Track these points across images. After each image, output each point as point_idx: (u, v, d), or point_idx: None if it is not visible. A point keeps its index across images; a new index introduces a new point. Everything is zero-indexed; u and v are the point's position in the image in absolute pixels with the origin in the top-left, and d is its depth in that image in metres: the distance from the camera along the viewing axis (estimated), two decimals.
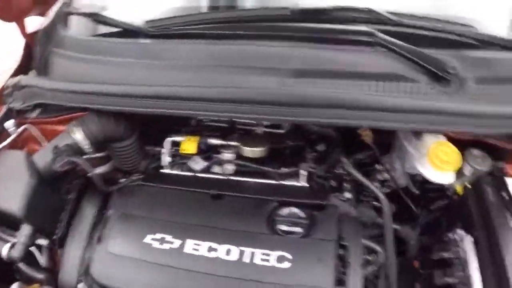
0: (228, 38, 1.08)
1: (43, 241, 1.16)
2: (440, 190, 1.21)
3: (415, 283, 1.10)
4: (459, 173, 1.21)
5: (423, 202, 1.23)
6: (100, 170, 1.24)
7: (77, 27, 1.35)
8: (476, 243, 1.03)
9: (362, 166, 1.22)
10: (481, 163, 1.18)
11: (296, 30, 1.05)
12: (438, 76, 1.01)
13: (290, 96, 0.96)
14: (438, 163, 1.03)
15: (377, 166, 1.24)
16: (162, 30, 1.15)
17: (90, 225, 1.13)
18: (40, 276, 1.13)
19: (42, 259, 1.19)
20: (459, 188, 1.15)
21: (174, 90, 1.02)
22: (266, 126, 1.27)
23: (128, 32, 1.23)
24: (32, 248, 1.17)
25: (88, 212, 1.16)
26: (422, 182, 1.18)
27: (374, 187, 1.09)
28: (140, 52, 1.13)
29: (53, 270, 1.18)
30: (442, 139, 1.08)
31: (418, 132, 1.11)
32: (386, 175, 1.22)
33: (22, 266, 1.13)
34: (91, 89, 1.10)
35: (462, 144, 1.18)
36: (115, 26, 1.24)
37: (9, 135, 1.27)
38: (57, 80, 1.17)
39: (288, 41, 1.04)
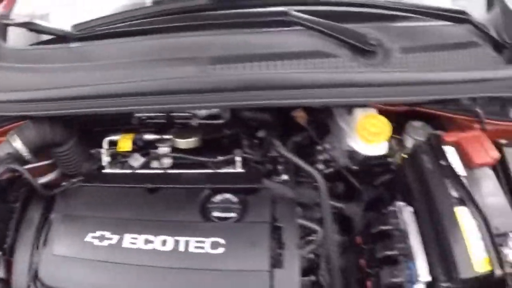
0: (149, 33, 1.12)
1: None
2: (383, 165, 1.23)
3: (359, 259, 1.12)
4: (401, 145, 1.24)
5: (366, 178, 1.25)
6: (44, 179, 1.27)
7: (18, 37, 1.39)
8: (416, 213, 1.05)
9: (302, 148, 1.24)
10: (422, 134, 1.21)
11: (214, 18, 1.09)
12: (361, 49, 1.04)
13: (209, 82, 0.98)
14: (366, 136, 1.05)
15: (318, 147, 1.27)
16: (88, 32, 1.18)
17: (35, 230, 1.15)
18: None
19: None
20: (400, 161, 1.17)
21: (100, 88, 1.05)
22: (204, 118, 1.30)
23: (61, 38, 1.26)
24: None
25: (33, 217, 1.17)
26: (365, 159, 1.20)
27: (307, 165, 1.10)
28: (67, 56, 1.16)
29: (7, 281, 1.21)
30: (373, 112, 1.10)
31: (350, 107, 1.13)
32: (327, 155, 1.24)
33: None
34: (24, 97, 1.13)
35: (401, 116, 1.21)
36: (47, 33, 1.27)
37: None
38: None
39: (207, 30, 1.07)
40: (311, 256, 1.06)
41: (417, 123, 1.23)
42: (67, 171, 1.28)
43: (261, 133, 1.26)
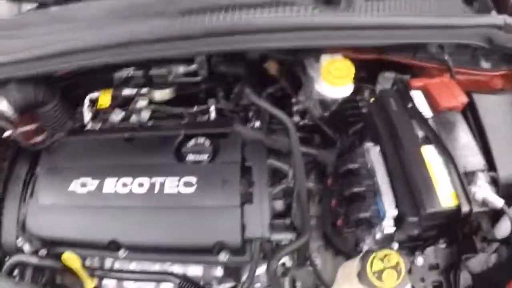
0: None
1: None
2: (355, 113, 1.31)
3: (331, 200, 1.19)
4: (374, 95, 1.31)
5: (340, 128, 1.32)
6: (22, 129, 1.35)
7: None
8: (384, 153, 1.12)
9: (277, 101, 1.32)
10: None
11: None
12: None
13: (177, 30, 1.06)
14: (331, 79, 1.12)
15: (292, 100, 1.35)
16: None
17: (22, 184, 1.25)
18: None
19: None
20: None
21: (79, 43, 1.13)
22: (183, 76, 1.38)
23: (41, 5, 1.35)
24: None
25: (20, 173, 1.27)
26: (334, 103, 1.28)
27: (275, 109, 1.17)
28: (47, 19, 1.26)
29: None
30: (338, 57, 1.17)
31: (318, 56, 1.21)
32: (301, 107, 1.32)
33: None
34: (6, 60, 1.22)
35: (373, 67, 1.28)
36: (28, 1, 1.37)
37: None
38: None
39: None
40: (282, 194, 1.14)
41: (388, 74, 1.30)
42: (52, 131, 1.37)
43: (232, 86, 1.35)
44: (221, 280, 1.18)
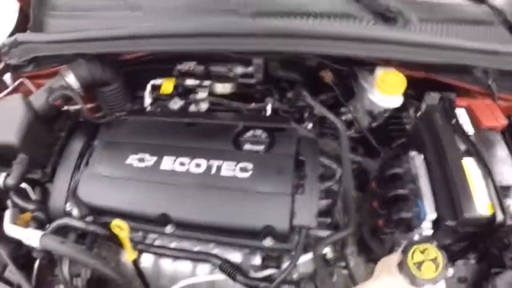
0: None
1: (35, 175, 1.39)
2: (400, 127, 1.43)
3: (373, 202, 1.29)
4: (418, 112, 1.44)
5: (385, 140, 1.44)
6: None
7: None
8: (427, 161, 1.23)
9: (328, 108, 1.45)
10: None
11: None
12: (383, 15, 1.26)
13: (248, 28, 1.21)
14: (384, 88, 1.25)
15: (342, 109, 1.47)
16: None
17: (78, 154, 1.36)
18: (31, 206, 1.35)
19: (32, 193, 1.42)
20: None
21: (152, 28, 1.28)
22: (239, 77, 1.52)
23: None
24: (24, 184, 1.40)
25: (77, 144, 1.39)
26: (383, 114, 1.40)
27: (329, 113, 1.30)
28: (119, 4, 1.41)
29: (43, 202, 1.41)
30: (391, 70, 1.30)
31: (372, 69, 1.34)
32: (349, 116, 1.45)
33: (14, 197, 1.35)
34: (80, 36, 1.36)
35: (419, 85, 1.41)
36: None
37: (6, 88, 1.53)
38: (51, 34, 1.45)
39: None
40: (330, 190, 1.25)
41: (434, 94, 1.43)
42: (111, 111, 1.50)
43: (290, 93, 1.49)
44: (258, 269, 1.26)
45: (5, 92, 1.51)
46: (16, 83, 1.53)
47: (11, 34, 1.60)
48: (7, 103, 1.40)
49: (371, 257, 1.37)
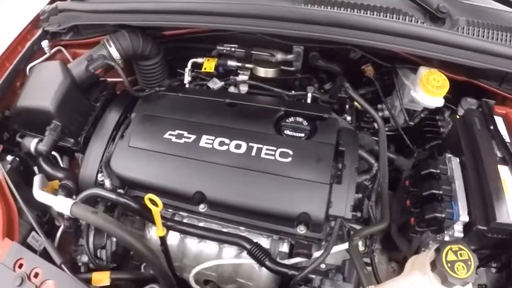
0: None
1: (66, 143, 1.47)
2: (435, 129, 1.50)
3: (406, 199, 1.37)
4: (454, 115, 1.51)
5: (420, 141, 1.51)
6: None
7: None
8: (463, 164, 1.30)
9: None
10: None
11: None
12: (433, 15, 1.33)
13: (301, 13, 1.27)
14: (429, 88, 1.32)
15: (379, 106, 1.54)
16: None
17: (114, 126, 1.44)
18: (60, 174, 1.43)
19: (62, 161, 1.51)
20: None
21: (204, 5, 1.35)
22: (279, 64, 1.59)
23: None
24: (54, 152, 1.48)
25: (113, 115, 1.46)
26: (420, 122, 1.47)
27: (370, 108, 1.37)
28: None
29: (71, 171, 1.48)
30: (434, 70, 1.37)
31: (414, 67, 1.41)
32: (386, 113, 1.52)
33: (44, 163, 1.43)
34: (125, 7, 1.44)
35: (458, 90, 1.47)
36: None
37: (43, 54, 1.60)
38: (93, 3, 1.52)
39: None
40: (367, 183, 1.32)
41: (471, 99, 1.50)
42: (148, 85, 1.57)
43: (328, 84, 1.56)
44: (285, 256, 1.33)
45: (42, 58, 1.59)
46: (53, 50, 1.61)
47: (51, 2, 1.67)
48: (45, 68, 1.48)
49: (394, 255, 1.44)
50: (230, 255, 1.36)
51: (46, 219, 1.44)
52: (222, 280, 1.40)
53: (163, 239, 1.30)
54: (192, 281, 1.36)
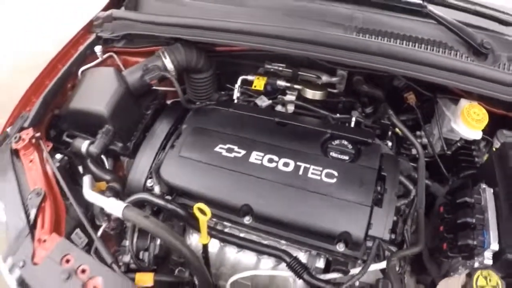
0: None
1: (115, 148, 1.70)
2: (470, 159, 1.72)
3: (439, 225, 1.58)
4: (489, 147, 1.73)
5: (455, 169, 1.73)
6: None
7: None
8: (496, 196, 1.51)
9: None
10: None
11: None
12: (477, 50, 1.55)
13: (356, 42, 1.50)
14: (470, 121, 1.54)
15: (418, 133, 1.76)
16: None
17: (164, 135, 1.67)
18: (107, 176, 1.66)
19: (108, 164, 1.75)
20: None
21: (262, 28, 1.58)
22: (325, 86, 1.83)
23: None
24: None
25: (164, 125, 1.70)
26: (455, 151, 1.69)
27: (411, 136, 1.60)
28: None
29: (117, 174, 1.71)
30: (475, 103, 1.59)
31: (456, 99, 1.63)
32: (425, 140, 1.74)
33: (92, 165, 1.66)
34: (180, 22, 1.67)
35: (495, 117, 1.69)
36: None
37: (95, 59, 1.84)
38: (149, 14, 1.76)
39: (351, 4, 1.61)
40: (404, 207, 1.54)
41: (507, 132, 1.72)
42: (197, 98, 1.80)
43: (369, 104, 1.79)
44: (320, 272, 1.54)
45: (94, 62, 1.83)
46: (105, 56, 1.85)
47: (106, 9, 1.91)
48: (100, 74, 1.73)
49: (421, 278, 1.66)
50: (267, 267, 1.58)
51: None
52: None
53: (205, 247, 1.50)
54: None
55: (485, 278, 1.29)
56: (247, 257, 1.60)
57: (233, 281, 1.54)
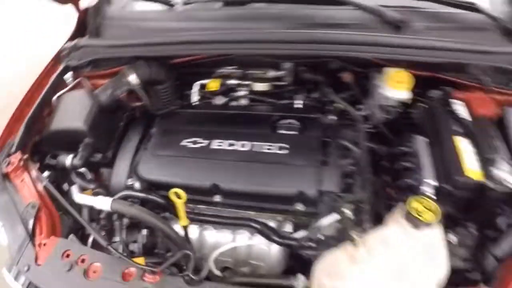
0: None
1: (96, 159, 1.96)
2: (410, 124, 2.02)
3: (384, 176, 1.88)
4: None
5: (397, 133, 2.02)
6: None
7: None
8: (429, 142, 1.80)
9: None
10: None
11: None
12: (393, 24, 1.86)
13: (289, 35, 1.85)
14: (394, 84, 1.84)
15: (359, 106, 2.06)
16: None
17: (138, 140, 1.97)
18: (91, 185, 1.92)
19: (89, 175, 2.01)
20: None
21: (207, 37, 1.90)
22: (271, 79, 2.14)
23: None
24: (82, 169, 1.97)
25: (136, 131, 2.01)
26: (395, 107, 1.98)
27: (348, 106, 1.92)
28: (175, 16, 2.09)
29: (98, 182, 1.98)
30: (399, 70, 1.89)
31: (383, 70, 1.94)
32: (367, 112, 2.04)
33: (76, 177, 1.92)
34: (138, 42, 1.97)
35: (424, 83, 1.98)
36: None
37: (66, 86, 2.12)
38: (109, 39, 2.06)
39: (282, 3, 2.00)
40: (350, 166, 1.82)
41: (436, 91, 2.01)
42: (161, 105, 2.09)
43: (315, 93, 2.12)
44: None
45: (66, 88, 2.11)
46: (76, 81, 2.13)
47: (71, 39, 2.20)
48: (74, 96, 2.02)
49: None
50: (243, 240, 1.81)
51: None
52: (237, 264, 1.84)
53: (185, 229, 1.73)
54: (212, 266, 1.78)
55: (421, 202, 1.50)
56: (224, 236, 1.83)
57: (215, 259, 1.77)
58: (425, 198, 1.52)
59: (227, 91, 2.14)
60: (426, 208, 1.51)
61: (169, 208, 1.78)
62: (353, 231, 1.57)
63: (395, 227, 1.54)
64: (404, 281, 1.44)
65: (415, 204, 1.52)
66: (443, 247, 1.51)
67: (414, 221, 1.48)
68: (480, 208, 1.67)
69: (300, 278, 1.63)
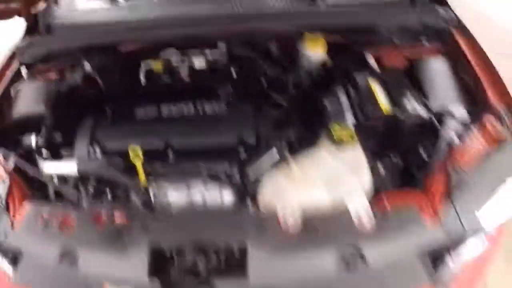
0: None
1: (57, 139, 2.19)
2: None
3: None
4: None
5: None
6: None
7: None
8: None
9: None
10: None
11: None
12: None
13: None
14: (310, 46, 2.25)
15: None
16: None
17: (95, 118, 2.19)
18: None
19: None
20: None
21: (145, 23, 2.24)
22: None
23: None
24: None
25: (93, 112, 2.23)
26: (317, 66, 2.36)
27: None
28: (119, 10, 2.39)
29: None
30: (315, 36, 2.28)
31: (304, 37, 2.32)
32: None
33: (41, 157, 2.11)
34: (86, 35, 2.28)
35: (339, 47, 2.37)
36: None
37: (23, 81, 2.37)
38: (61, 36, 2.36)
39: None
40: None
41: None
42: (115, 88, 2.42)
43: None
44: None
45: (24, 81, 2.33)
46: (30, 76, 2.36)
47: (24, 38, 2.47)
48: (31, 86, 2.27)
49: None
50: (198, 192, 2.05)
51: None
52: None
53: (146, 190, 2.00)
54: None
55: (340, 129, 1.91)
56: (181, 192, 2.05)
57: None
58: (342, 125, 1.90)
59: (170, 70, 2.45)
60: (346, 133, 1.87)
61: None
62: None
63: (323, 150, 1.90)
64: (333, 191, 1.78)
65: (337, 131, 1.88)
66: (365, 162, 1.86)
67: (337, 143, 1.85)
68: (399, 139, 2.02)
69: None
